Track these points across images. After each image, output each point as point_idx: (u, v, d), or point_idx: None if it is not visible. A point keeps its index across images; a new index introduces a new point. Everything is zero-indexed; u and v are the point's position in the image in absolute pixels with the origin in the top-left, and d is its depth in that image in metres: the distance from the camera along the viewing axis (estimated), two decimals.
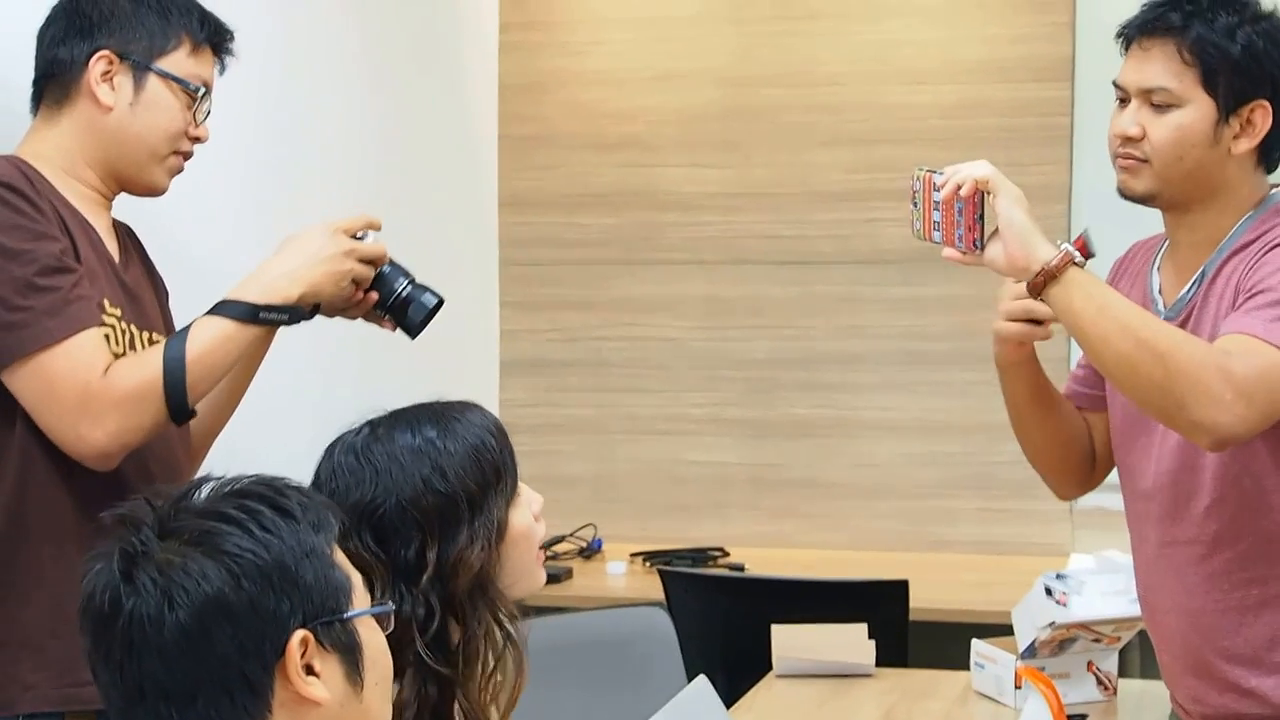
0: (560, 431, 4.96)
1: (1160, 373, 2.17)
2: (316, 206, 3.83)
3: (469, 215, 4.86)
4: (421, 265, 2.50)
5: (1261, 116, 2.36)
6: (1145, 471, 2.47)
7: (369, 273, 2.47)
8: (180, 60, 2.45)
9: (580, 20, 4.95)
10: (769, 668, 3.29)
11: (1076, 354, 2.84)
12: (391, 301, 2.50)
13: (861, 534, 4.75)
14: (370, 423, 2.10)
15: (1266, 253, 2.32)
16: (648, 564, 4.46)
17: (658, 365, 4.91)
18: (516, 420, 4.92)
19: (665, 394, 4.91)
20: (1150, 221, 2.53)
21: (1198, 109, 2.35)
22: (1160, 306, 2.44)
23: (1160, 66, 2.36)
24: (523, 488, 2.15)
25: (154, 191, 2.50)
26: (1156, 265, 2.50)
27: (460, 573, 2.02)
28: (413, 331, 2.52)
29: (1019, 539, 4.60)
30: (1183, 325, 2.37)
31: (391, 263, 2.51)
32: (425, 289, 2.52)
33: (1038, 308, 2.37)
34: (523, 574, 2.12)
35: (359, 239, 2.46)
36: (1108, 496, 4.56)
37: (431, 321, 2.52)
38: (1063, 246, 2.26)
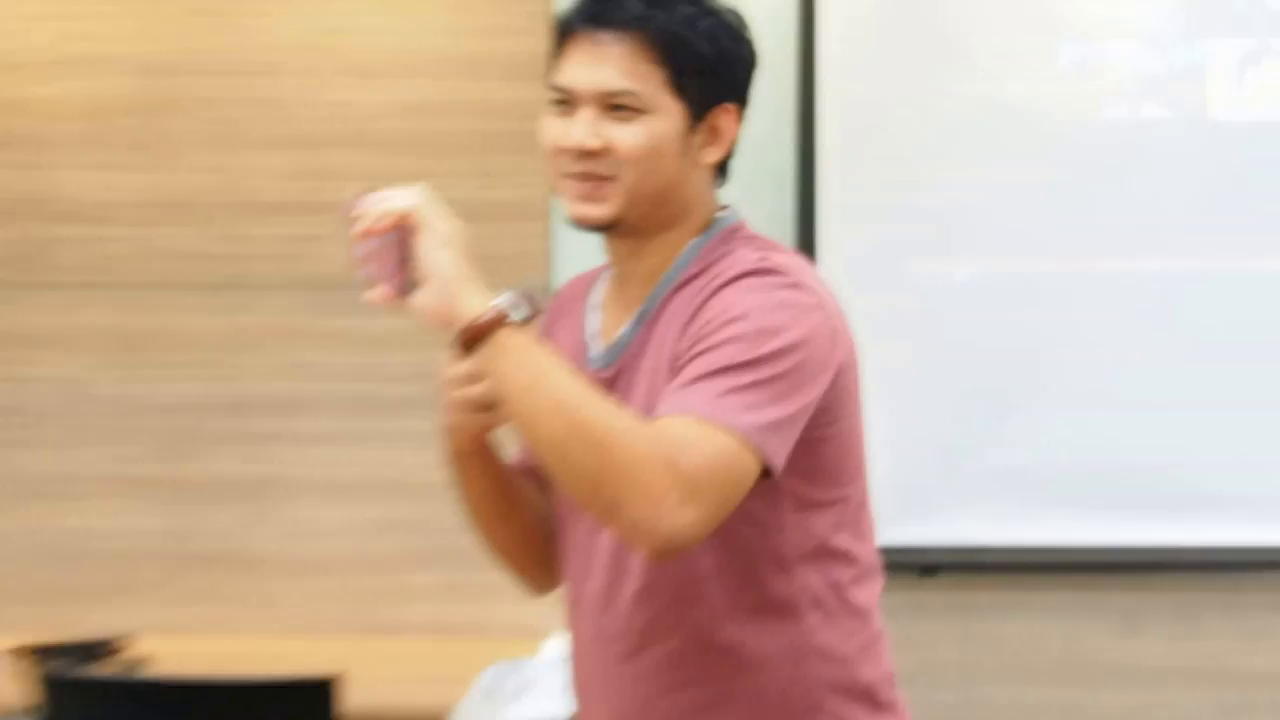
0: None
1: (594, 463, 1.99)
2: None
3: None
4: None
5: (728, 122, 2.23)
6: (581, 551, 2.31)
7: None
8: None
9: None
10: None
11: None
12: None
13: (298, 618, 4.46)
14: None
15: (711, 296, 2.16)
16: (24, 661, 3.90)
17: (48, 413, 4.52)
18: None
19: (58, 449, 4.52)
20: None
21: (668, 116, 2.19)
22: (594, 351, 2.27)
23: (623, 66, 2.18)
24: None
25: None
26: (598, 302, 2.33)
27: None
28: None
29: (489, 619, 4.35)
30: (617, 375, 2.23)
31: None
32: None
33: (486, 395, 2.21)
34: None
35: None
36: None
37: None
38: (499, 300, 2.05)
